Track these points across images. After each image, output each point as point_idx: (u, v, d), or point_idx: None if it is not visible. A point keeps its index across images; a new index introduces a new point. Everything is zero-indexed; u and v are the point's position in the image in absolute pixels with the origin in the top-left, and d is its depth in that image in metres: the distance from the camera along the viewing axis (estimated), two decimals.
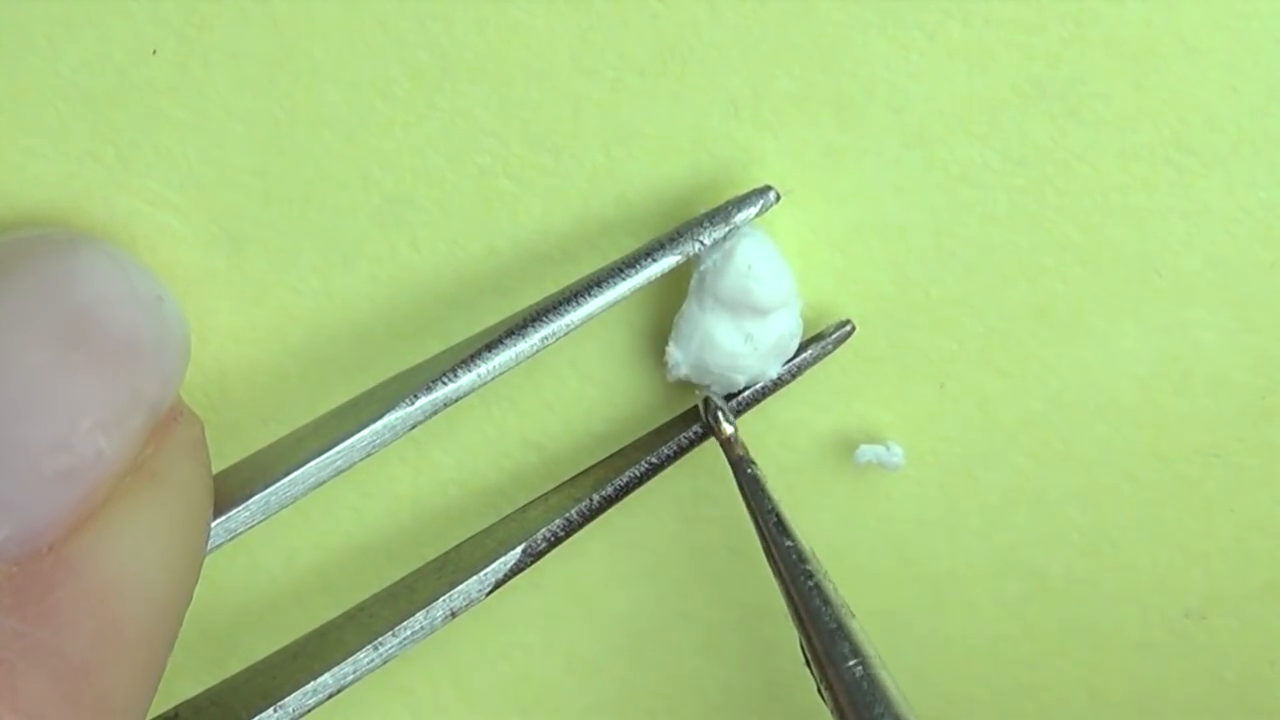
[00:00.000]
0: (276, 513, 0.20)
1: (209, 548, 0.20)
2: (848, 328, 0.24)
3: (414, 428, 0.21)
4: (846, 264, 0.24)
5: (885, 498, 0.25)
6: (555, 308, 0.22)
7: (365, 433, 0.21)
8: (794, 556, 0.22)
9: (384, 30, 0.22)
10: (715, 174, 0.23)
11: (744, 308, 0.23)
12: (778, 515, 0.23)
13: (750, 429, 0.24)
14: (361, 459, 0.21)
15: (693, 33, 0.23)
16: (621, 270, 0.22)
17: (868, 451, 0.24)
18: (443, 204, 0.23)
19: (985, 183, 0.23)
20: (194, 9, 0.22)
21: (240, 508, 0.20)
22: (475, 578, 0.22)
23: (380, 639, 0.22)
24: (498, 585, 0.22)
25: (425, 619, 0.22)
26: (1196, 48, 0.23)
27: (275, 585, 0.24)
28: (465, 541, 0.23)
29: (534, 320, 0.21)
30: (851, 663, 0.21)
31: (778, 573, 0.22)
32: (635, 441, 0.24)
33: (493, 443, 0.24)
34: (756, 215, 0.22)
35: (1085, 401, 0.24)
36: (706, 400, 0.23)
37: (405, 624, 0.22)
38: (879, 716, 0.21)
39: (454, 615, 0.22)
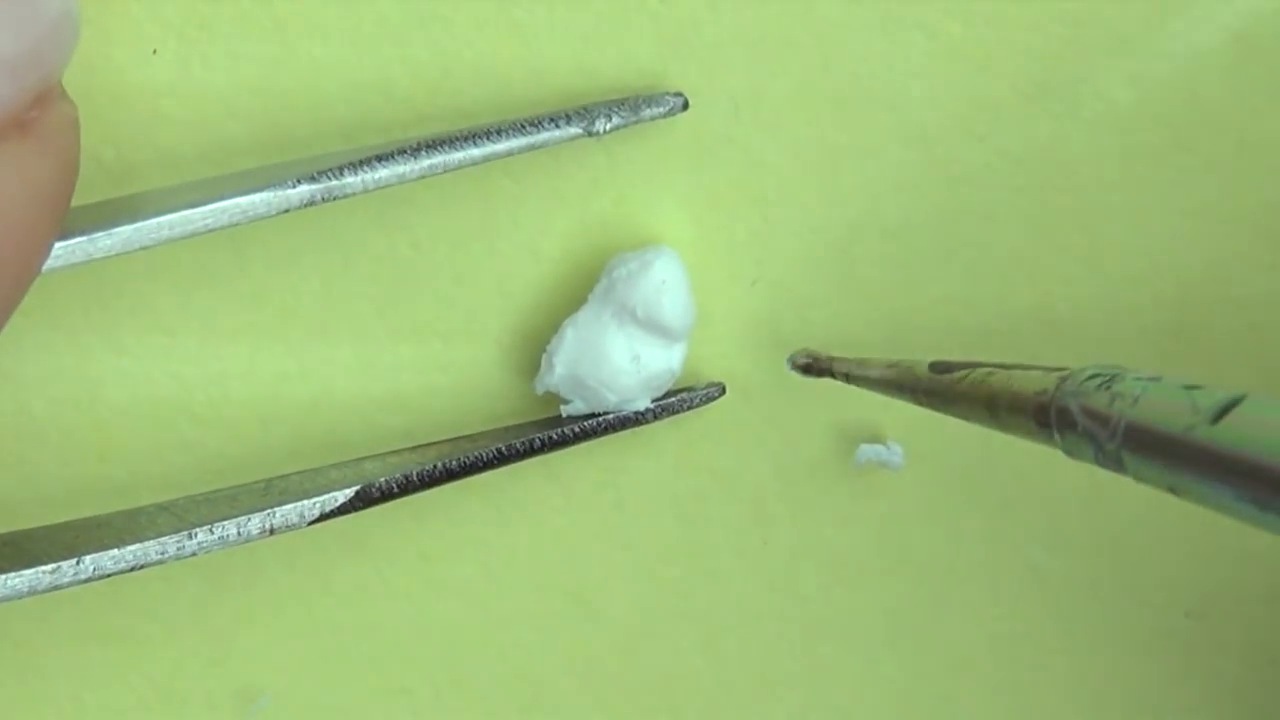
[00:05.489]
0: (135, 251, 0.20)
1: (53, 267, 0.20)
2: (716, 390, 0.24)
3: (285, 212, 0.21)
4: (846, 264, 0.24)
5: (885, 498, 0.25)
6: (450, 142, 0.22)
7: (238, 201, 0.21)
8: None
9: (384, 30, 0.22)
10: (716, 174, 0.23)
11: (648, 323, 0.23)
12: None
13: (752, 429, 0.24)
14: (224, 226, 0.21)
15: (693, 33, 0.23)
16: (523, 127, 0.22)
17: (868, 451, 0.24)
18: (443, 204, 0.23)
19: (985, 183, 0.23)
20: (194, 9, 0.22)
21: (104, 233, 0.20)
22: (301, 504, 0.22)
23: (195, 530, 0.22)
24: (324, 517, 0.22)
25: (241, 527, 0.22)
26: (1196, 47, 0.23)
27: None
28: (294, 473, 0.23)
29: (427, 148, 0.22)
30: None
31: None
32: (489, 431, 0.24)
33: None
34: (664, 115, 0.22)
35: None
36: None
37: (221, 524, 0.22)
38: None
39: (272, 533, 0.22)
